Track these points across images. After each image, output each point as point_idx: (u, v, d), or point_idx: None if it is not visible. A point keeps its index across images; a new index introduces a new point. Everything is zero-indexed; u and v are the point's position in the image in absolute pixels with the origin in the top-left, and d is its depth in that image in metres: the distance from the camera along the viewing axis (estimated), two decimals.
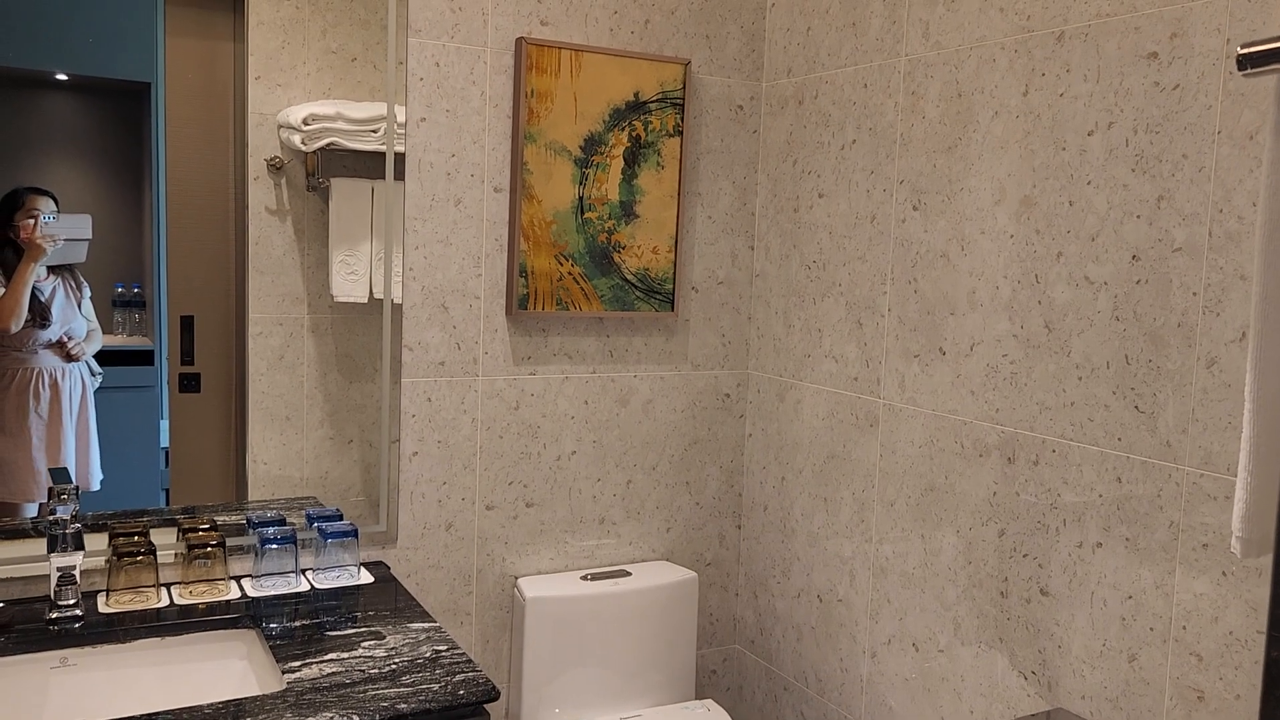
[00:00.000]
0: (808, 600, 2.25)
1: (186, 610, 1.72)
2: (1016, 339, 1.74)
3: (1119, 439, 1.58)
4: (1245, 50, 1.03)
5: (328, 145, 1.90)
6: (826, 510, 2.19)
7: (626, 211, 2.20)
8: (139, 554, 1.75)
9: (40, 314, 1.74)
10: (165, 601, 1.75)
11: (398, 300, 2.01)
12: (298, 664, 1.54)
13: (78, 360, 1.78)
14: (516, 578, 2.19)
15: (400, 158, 1.98)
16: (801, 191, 2.25)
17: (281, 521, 1.90)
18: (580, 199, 2.15)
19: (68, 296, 1.77)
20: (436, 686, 1.49)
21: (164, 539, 1.84)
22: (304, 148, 1.89)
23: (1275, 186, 1.08)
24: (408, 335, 2.03)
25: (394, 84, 1.96)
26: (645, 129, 2.20)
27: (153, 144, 1.80)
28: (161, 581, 1.83)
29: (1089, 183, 1.62)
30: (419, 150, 2.00)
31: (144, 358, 1.83)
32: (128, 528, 1.80)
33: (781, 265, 2.31)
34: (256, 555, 1.85)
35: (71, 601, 1.66)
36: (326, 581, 1.89)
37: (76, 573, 1.66)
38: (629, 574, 2.23)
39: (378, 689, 1.47)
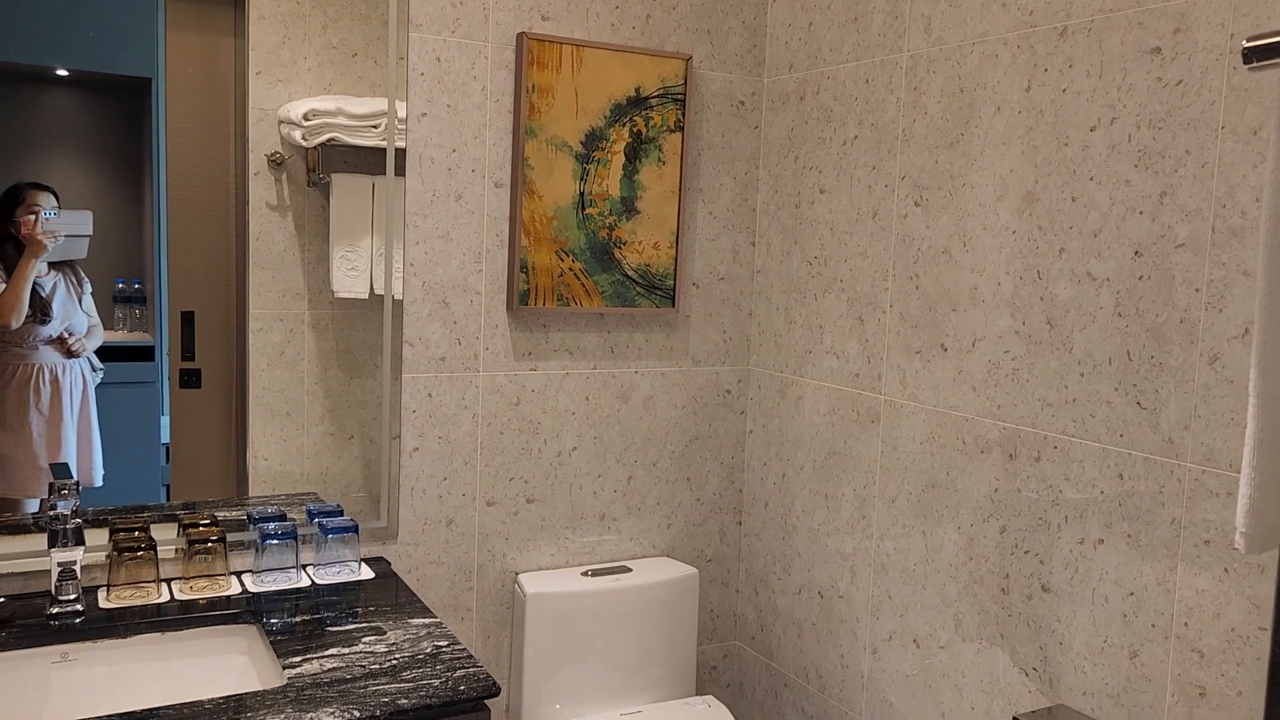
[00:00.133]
0: (808, 596, 2.25)
1: (187, 605, 1.72)
2: (1018, 335, 1.74)
3: (1121, 435, 1.57)
4: (1251, 43, 1.03)
5: (328, 141, 1.90)
6: (827, 506, 2.19)
7: (627, 207, 2.20)
8: (140, 549, 1.75)
9: (41, 310, 1.74)
10: (166, 597, 1.75)
11: (398, 296, 2.01)
12: (298, 659, 1.54)
13: (78, 356, 1.78)
14: (517, 573, 2.19)
15: (401, 153, 1.98)
16: (803, 187, 2.24)
17: (282, 517, 1.90)
18: (581, 194, 2.14)
19: (68, 292, 1.76)
20: (437, 682, 1.49)
21: (165, 534, 1.84)
22: (305, 143, 1.89)
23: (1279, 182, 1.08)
24: (408, 331, 2.03)
25: (395, 79, 1.96)
26: (646, 124, 2.19)
27: (153, 139, 1.79)
28: (162, 577, 1.83)
29: (1091, 178, 1.61)
30: (420, 145, 2.00)
31: (145, 353, 1.83)
32: (128, 523, 1.80)
33: (783, 261, 2.31)
34: (257, 551, 1.85)
35: (72, 597, 1.66)
36: (327, 577, 1.89)
37: (77, 568, 1.66)
38: (630, 570, 2.23)
39: (378, 684, 1.47)
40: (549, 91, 2.08)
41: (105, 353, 1.80)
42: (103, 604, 1.71)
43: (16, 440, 1.74)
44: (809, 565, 2.24)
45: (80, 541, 1.66)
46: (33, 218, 1.71)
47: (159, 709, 1.36)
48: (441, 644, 1.63)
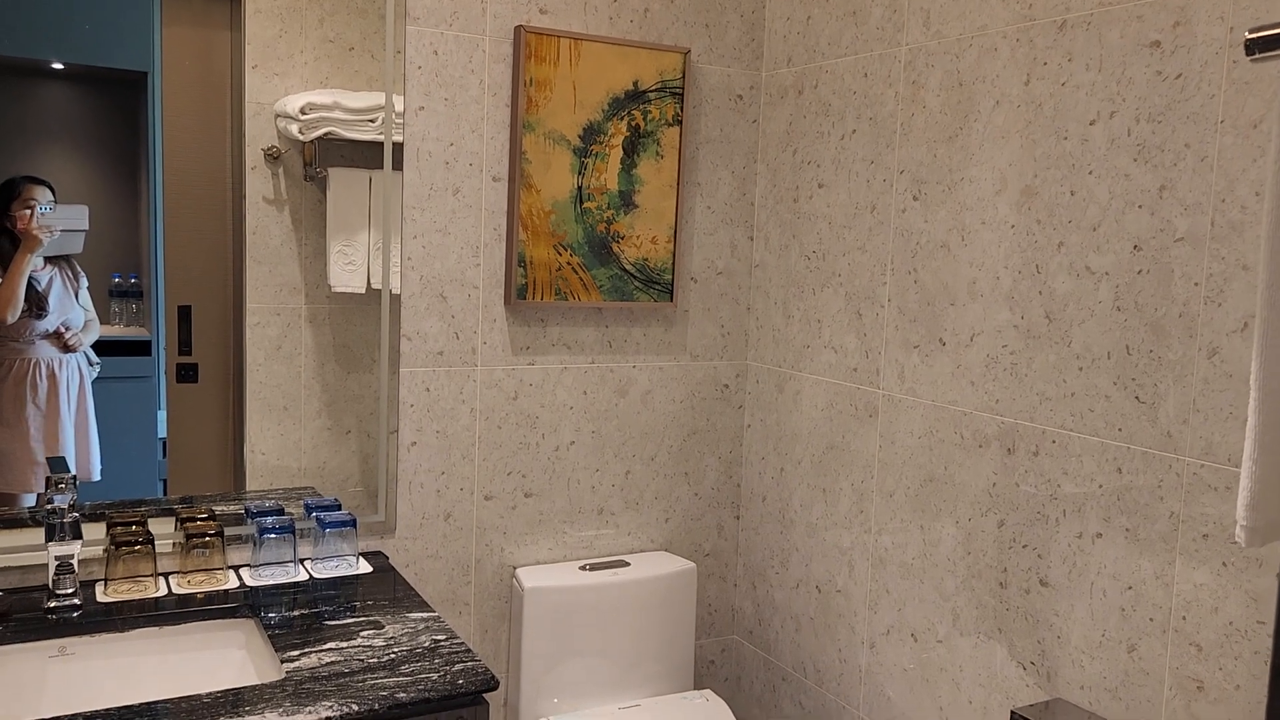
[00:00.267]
0: (806, 591, 2.25)
1: (185, 600, 1.72)
2: (1017, 329, 1.74)
3: (1119, 429, 1.57)
4: (1254, 35, 1.02)
5: (325, 135, 1.90)
6: (825, 501, 2.19)
7: (625, 201, 2.19)
8: (137, 543, 1.75)
9: (37, 304, 1.74)
10: (163, 591, 1.75)
11: (396, 290, 2.00)
12: (296, 653, 1.54)
13: (75, 350, 1.78)
14: (515, 568, 2.19)
15: (398, 147, 1.97)
16: (801, 181, 2.24)
17: (280, 511, 1.90)
18: (579, 188, 2.14)
19: (65, 286, 1.76)
20: (435, 676, 1.49)
21: (162, 528, 1.84)
22: (301, 137, 1.88)
23: None
24: (406, 325, 2.02)
25: (392, 73, 1.95)
26: (644, 118, 2.19)
27: (150, 134, 1.79)
28: (160, 571, 1.83)
29: (1090, 172, 1.61)
30: (417, 139, 2.00)
31: (141, 348, 1.83)
32: (125, 517, 1.80)
33: (781, 255, 2.31)
34: (255, 545, 1.84)
35: (70, 591, 1.66)
36: (325, 571, 1.89)
37: (74, 562, 1.66)
38: (628, 564, 2.23)
39: (377, 678, 1.47)
40: (547, 85, 2.08)
41: (102, 347, 1.80)
42: (100, 598, 1.70)
43: (13, 435, 1.74)
44: (807, 560, 2.25)
45: (78, 535, 1.65)
46: (28, 212, 1.70)
47: (156, 703, 1.36)
48: (440, 638, 1.63)
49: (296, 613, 1.70)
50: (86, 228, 1.75)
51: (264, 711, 1.35)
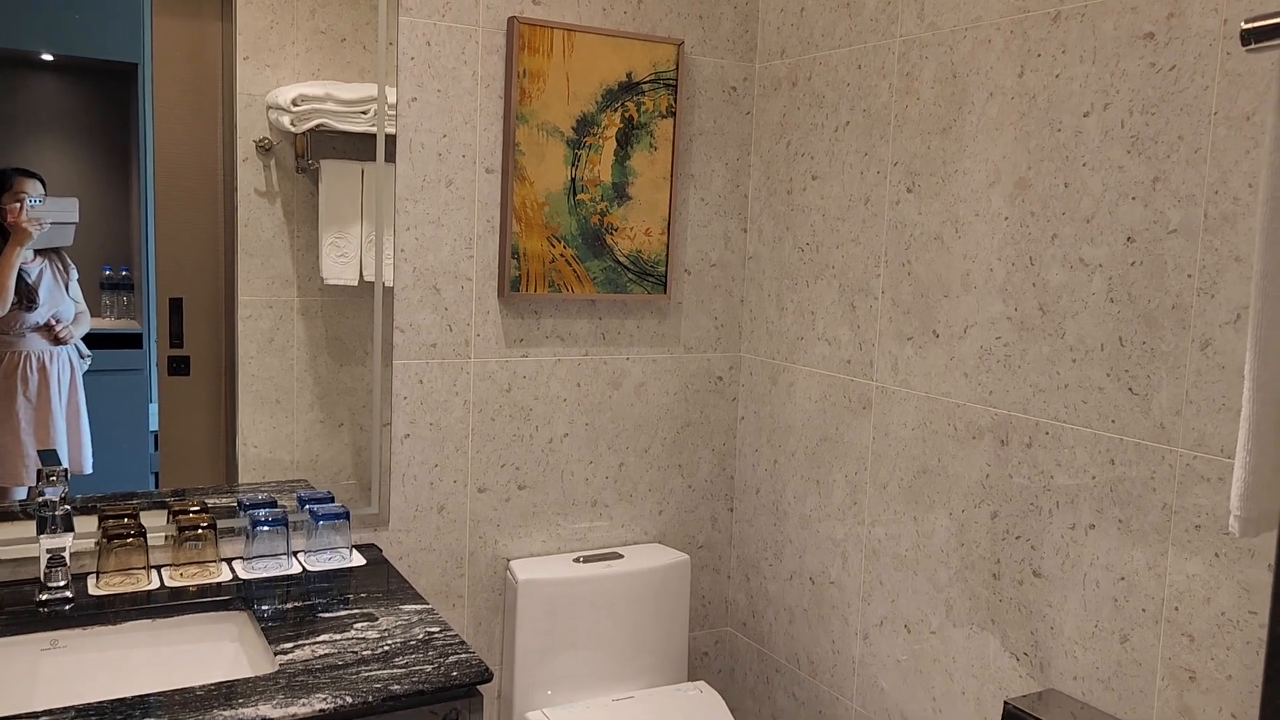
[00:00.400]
0: (800, 583, 2.25)
1: (177, 592, 1.71)
2: (1010, 321, 1.74)
3: (1112, 421, 1.58)
4: (1250, 25, 1.02)
5: (317, 126, 1.89)
6: (819, 493, 2.19)
7: (619, 193, 2.19)
8: (129, 536, 1.74)
9: (27, 296, 1.73)
10: (156, 583, 1.74)
11: (389, 282, 2.00)
12: (290, 645, 1.54)
13: (66, 343, 1.77)
14: (509, 560, 2.19)
15: (391, 138, 1.97)
16: (795, 173, 2.24)
17: (273, 504, 1.89)
18: (572, 180, 2.13)
19: (55, 279, 1.75)
20: (429, 668, 1.49)
21: (154, 521, 1.83)
22: (293, 129, 1.87)
23: (1276, 164, 1.08)
24: (399, 317, 2.02)
25: (384, 64, 1.94)
26: (638, 110, 2.18)
27: (140, 125, 1.78)
28: (152, 564, 1.82)
29: (1084, 164, 1.61)
30: (410, 131, 1.99)
31: (133, 340, 1.82)
32: (117, 510, 1.79)
33: (774, 248, 2.31)
34: (248, 537, 1.84)
35: (61, 583, 1.65)
36: (318, 564, 1.88)
37: (66, 555, 1.65)
38: (621, 556, 2.23)
39: (370, 670, 1.47)
40: (540, 76, 2.07)
41: (93, 340, 1.79)
42: (92, 591, 1.70)
43: (4, 427, 1.73)
44: (800, 551, 2.25)
45: (69, 528, 1.65)
46: (18, 204, 1.69)
47: (149, 696, 1.36)
48: (433, 630, 1.63)
49: (290, 605, 1.70)
50: (77, 220, 1.74)
51: (257, 704, 1.35)
